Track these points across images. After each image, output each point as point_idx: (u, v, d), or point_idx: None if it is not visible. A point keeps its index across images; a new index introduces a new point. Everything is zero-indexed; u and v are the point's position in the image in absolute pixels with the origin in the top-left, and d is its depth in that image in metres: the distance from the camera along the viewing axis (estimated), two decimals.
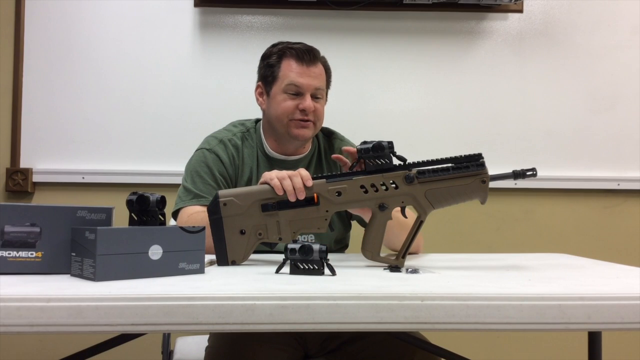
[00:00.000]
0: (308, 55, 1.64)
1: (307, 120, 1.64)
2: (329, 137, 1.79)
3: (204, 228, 1.15)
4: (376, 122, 2.51)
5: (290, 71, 1.64)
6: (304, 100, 1.62)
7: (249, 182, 1.67)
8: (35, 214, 1.08)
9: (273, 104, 1.66)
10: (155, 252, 1.08)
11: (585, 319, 0.92)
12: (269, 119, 1.69)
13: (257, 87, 1.73)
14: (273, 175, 1.30)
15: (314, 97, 1.64)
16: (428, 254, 1.61)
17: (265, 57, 1.71)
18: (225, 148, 1.67)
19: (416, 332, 1.42)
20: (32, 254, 1.07)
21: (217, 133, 1.73)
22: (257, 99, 1.73)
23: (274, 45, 1.71)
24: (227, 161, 1.66)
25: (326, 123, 1.84)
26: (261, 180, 1.33)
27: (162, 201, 1.18)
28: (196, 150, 1.70)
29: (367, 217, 1.38)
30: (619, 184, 2.55)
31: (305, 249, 1.13)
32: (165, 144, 2.46)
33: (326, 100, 1.73)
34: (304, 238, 1.60)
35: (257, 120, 1.78)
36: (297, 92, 1.63)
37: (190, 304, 0.88)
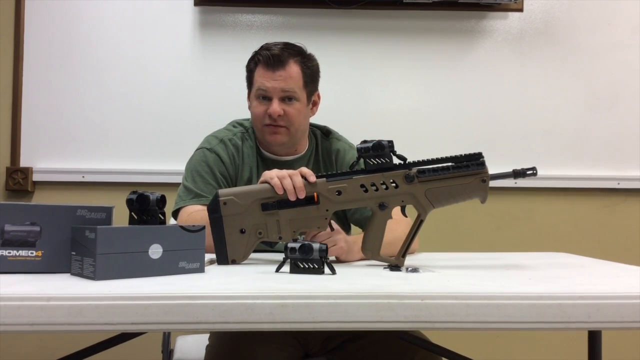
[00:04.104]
0: (273, 60, 1.62)
1: (278, 126, 1.63)
2: (327, 137, 1.79)
3: (204, 227, 1.15)
4: (376, 121, 2.51)
5: (259, 77, 1.64)
6: (271, 105, 1.62)
7: (249, 182, 1.67)
8: (35, 213, 1.08)
9: (251, 110, 1.69)
10: (155, 251, 1.08)
11: (585, 318, 0.92)
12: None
13: (247, 93, 1.75)
14: (273, 174, 1.30)
15: (284, 100, 1.63)
16: (428, 252, 1.61)
17: (247, 63, 1.71)
18: (225, 148, 1.67)
19: (417, 331, 1.42)
20: (32, 253, 1.07)
21: (217, 132, 1.73)
22: (248, 105, 1.75)
23: (260, 48, 1.70)
24: (227, 161, 1.66)
25: (326, 122, 1.84)
26: (261, 179, 1.33)
27: (162, 200, 1.18)
28: (196, 150, 1.70)
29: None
30: (619, 183, 2.55)
31: (305, 248, 1.13)
32: (165, 143, 2.46)
33: (311, 100, 1.71)
34: (303, 239, 1.60)
35: None
36: (265, 97, 1.64)
37: (191, 303, 0.88)
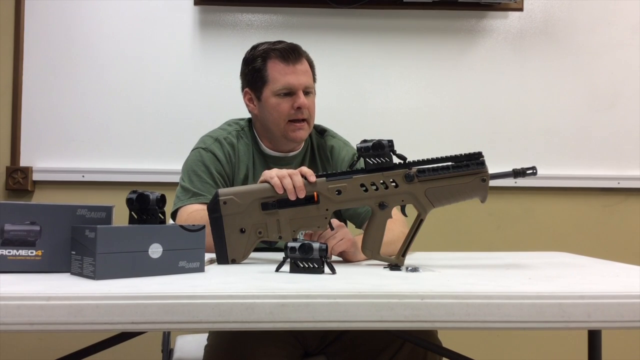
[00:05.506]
0: (293, 54, 1.63)
1: (302, 121, 1.63)
2: (322, 135, 1.79)
3: (203, 226, 1.15)
4: (376, 121, 2.51)
5: (279, 73, 1.62)
6: (298, 98, 1.62)
7: (245, 180, 1.67)
8: (35, 212, 1.08)
9: (267, 108, 1.65)
10: (155, 250, 1.08)
11: (585, 318, 0.92)
12: (263, 122, 1.69)
13: (245, 93, 1.71)
14: (273, 174, 1.30)
15: (305, 93, 1.64)
16: (428, 252, 1.61)
17: (248, 62, 1.69)
18: (221, 146, 1.67)
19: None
20: (32, 253, 1.07)
21: (212, 132, 1.73)
22: (248, 105, 1.72)
23: (254, 48, 1.69)
24: (223, 159, 1.66)
25: (326, 121, 1.84)
26: (261, 178, 1.33)
27: (162, 199, 1.18)
28: (192, 150, 1.70)
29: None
30: (619, 183, 2.54)
31: (305, 248, 1.13)
32: (165, 142, 2.46)
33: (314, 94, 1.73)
34: (301, 237, 1.60)
35: (250, 119, 1.77)
36: (289, 93, 1.63)
37: (190, 303, 0.88)
